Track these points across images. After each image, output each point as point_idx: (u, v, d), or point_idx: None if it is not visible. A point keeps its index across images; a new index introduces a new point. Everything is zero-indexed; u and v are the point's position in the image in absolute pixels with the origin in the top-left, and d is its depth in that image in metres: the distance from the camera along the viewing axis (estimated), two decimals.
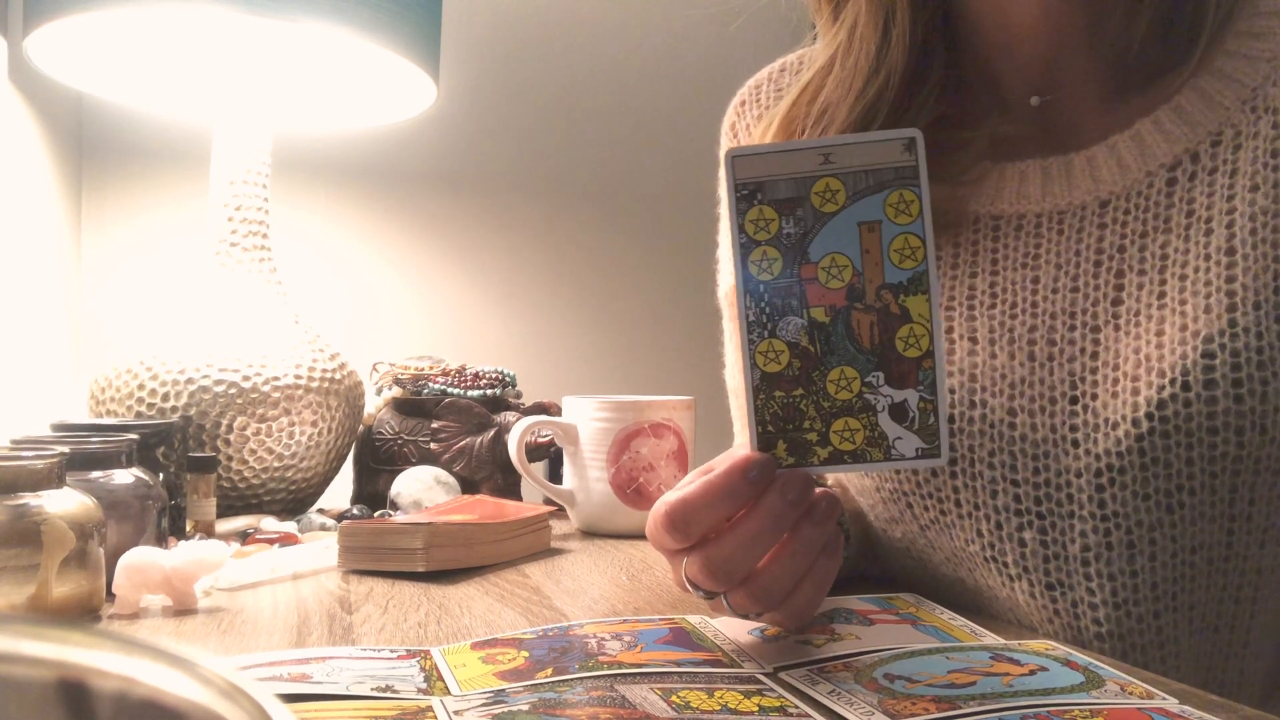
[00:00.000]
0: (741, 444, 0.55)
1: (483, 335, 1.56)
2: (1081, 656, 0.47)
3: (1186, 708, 0.40)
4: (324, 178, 1.46)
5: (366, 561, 0.69)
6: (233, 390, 0.90)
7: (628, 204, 1.65)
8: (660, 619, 0.54)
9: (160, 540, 0.64)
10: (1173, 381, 0.54)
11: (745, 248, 0.44)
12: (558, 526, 0.88)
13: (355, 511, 0.87)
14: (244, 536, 0.78)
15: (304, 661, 0.45)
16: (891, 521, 0.64)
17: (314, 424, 0.94)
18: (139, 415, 0.89)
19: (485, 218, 1.57)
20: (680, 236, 1.64)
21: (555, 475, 1.00)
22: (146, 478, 0.65)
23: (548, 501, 0.92)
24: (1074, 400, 0.57)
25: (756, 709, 0.39)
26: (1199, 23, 0.57)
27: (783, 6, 0.71)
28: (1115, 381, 0.56)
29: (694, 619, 0.53)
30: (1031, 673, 0.44)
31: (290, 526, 0.82)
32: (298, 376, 0.93)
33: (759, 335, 0.44)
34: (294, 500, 0.97)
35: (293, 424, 0.93)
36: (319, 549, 0.71)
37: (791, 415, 0.44)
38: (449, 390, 1.00)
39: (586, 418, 0.86)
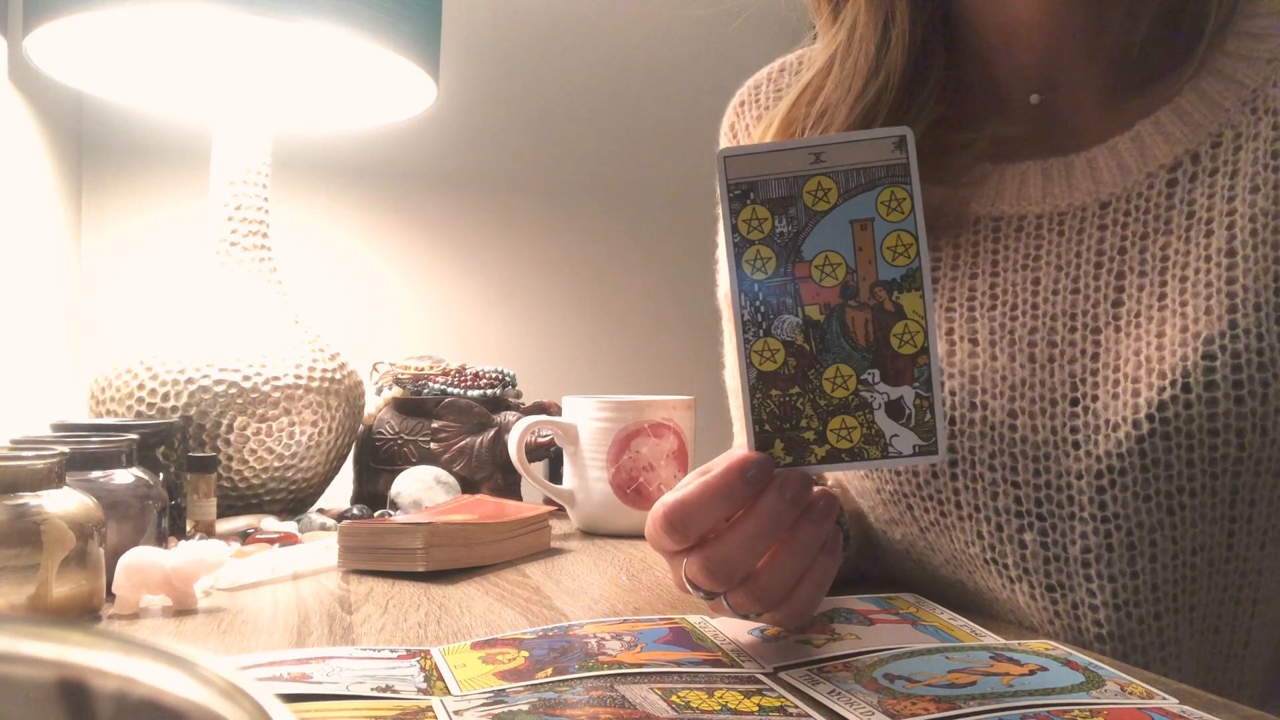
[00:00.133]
0: (740, 445, 0.55)
1: (483, 335, 1.56)
2: (1081, 656, 0.47)
3: (1186, 708, 0.40)
4: (324, 178, 1.46)
5: (366, 561, 0.69)
6: (233, 390, 0.90)
7: (628, 204, 1.65)
8: (660, 619, 0.54)
9: (160, 540, 0.64)
10: (1173, 383, 0.54)
11: (739, 247, 0.44)
12: (558, 526, 0.88)
13: (355, 511, 0.87)
14: (244, 536, 0.78)
15: (304, 661, 0.45)
16: (892, 523, 0.64)
17: (314, 424, 0.94)
18: (139, 415, 0.89)
19: (485, 218, 1.57)
20: (680, 236, 1.64)
21: (555, 475, 1.00)
22: (146, 478, 0.65)
23: (548, 501, 0.92)
24: (1074, 402, 0.57)
25: (756, 709, 0.39)
26: (1199, 24, 0.57)
27: (782, 7, 0.71)
28: (1116, 383, 0.56)
29: (694, 619, 0.53)
30: (1031, 673, 0.44)
31: (290, 526, 0.82)
32: (298, 376, 0.93)
33: (754, 334, 0.44)
34: (294, 500, 0.97)
35: (293, 424, 0.93)
36: (319, 549, 0.71)
37: (788, 414, 0.44)
38: (449, 390, 1.00)
39: (586, 418, 0.86)
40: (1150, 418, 0.54)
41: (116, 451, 0.64)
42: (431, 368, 1.01)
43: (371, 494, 0.98)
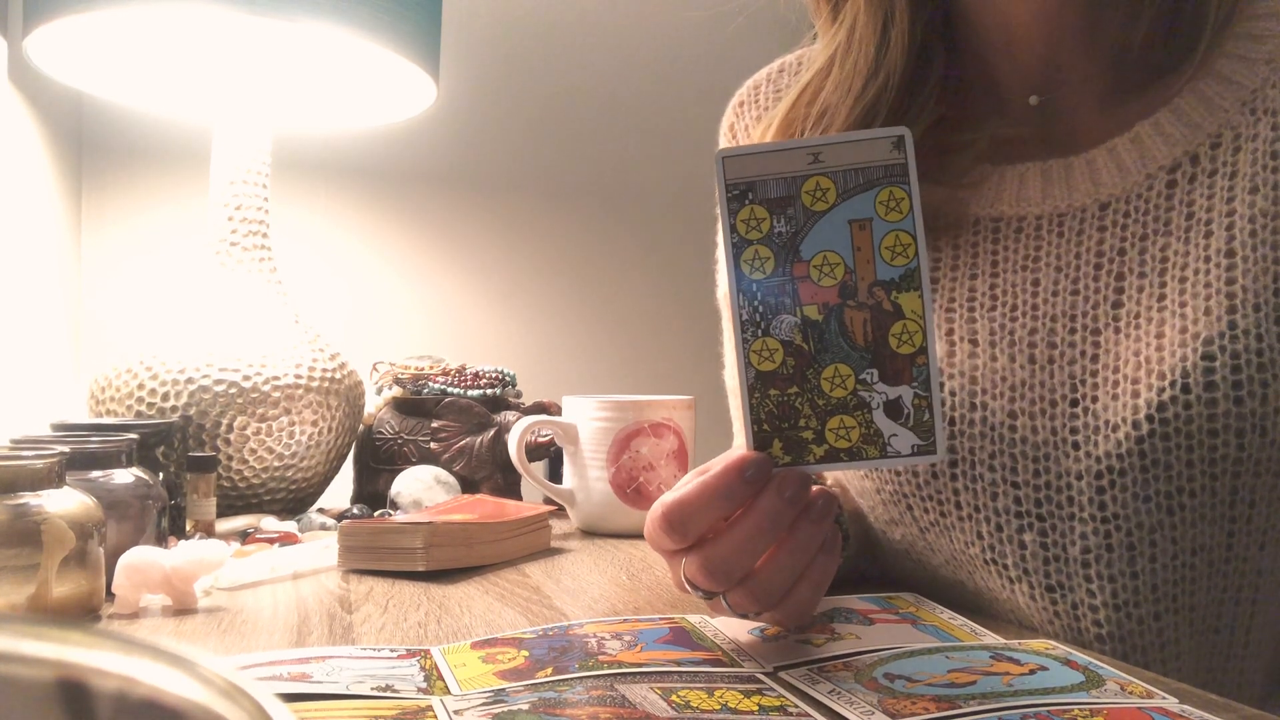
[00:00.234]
0: (740, 445, 0.55)
1: (483, 335, 1.56)
2: (1081, 656, 0.47)
3: (1186, 707, 0.40)
4: (324, 178, 1.46)
5: (366, 561, 0.69)
6: (233, 390, 0.90)
7: (628, 204, 1.65)
8: (660, 618, 0.54)
9: (160, 540, 0.64)
10: (1173, 384, 0.54)
11: (737, 247, 0.44)
12: (558, 526, 0.88)
13: (355, 511, 0.87)
14: (244, 536, 0.79)
15: (304, 661, 0.45)
16: (891, 523, 0.64)
17: (314, 424, 0.94)
18: (139, 415, 0.89)
19: (485, 218, 1.57)
20: (680, 236, 1.64)
21: (555, 475, 1.00)
22: (146, 477, 0.65)
23: (548, 501, 0.92)
24: (1074, 403, 0.57)
25: (756, 708, 0.39)
26: (1199, 25, 0.57)
27: (782, 7, 0.71)
28: (1115, 384, 0.56)
29: (694, 618, 0.53)
30: (1031, 672, 0.44)
31: (290, 526, 0.82)
32: (298, 376, 0.93)
33: (753, 334, 0.44)
34: (294, 500, 0.97)
35: (293, 424, 0.93)
36: (319, 548, 0.71)
37: (787, 414, 0.44)
38: (449, 390, 1.00)
39: (586, 417, 0.86)
40: (1150, 418, 0.54)
41: (116, 451, 0.64)
42: (431, 368, 1.01)
43: (371, 494, 0.98)
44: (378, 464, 0.99)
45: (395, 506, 0.90)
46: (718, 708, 0.39)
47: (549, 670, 0.44)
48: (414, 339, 1.46)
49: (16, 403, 1.06)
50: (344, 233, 1.48)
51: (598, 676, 0.43)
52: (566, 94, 1.61)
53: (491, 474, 0.97)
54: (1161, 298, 0.56)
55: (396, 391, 1.01)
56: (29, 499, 0.53)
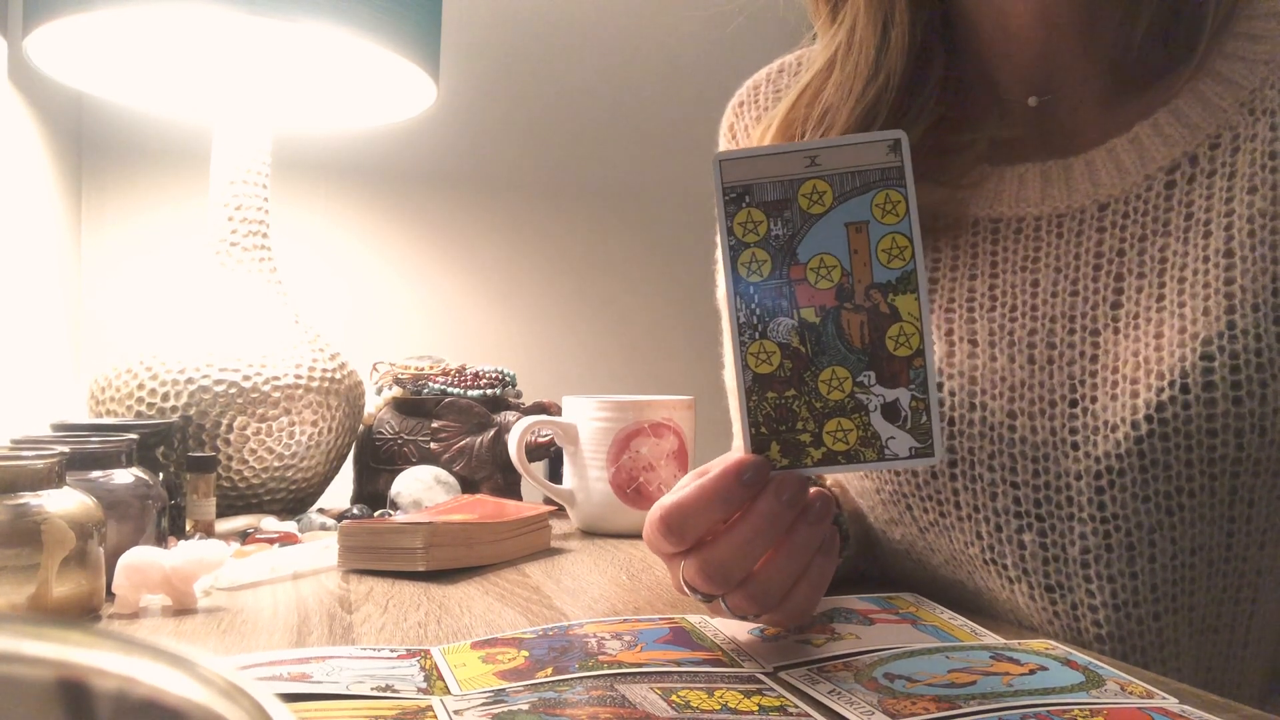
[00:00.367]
0: (738, 447, 0.55)
1: (483, 335, 1.56)
2: (1081, 656, 0.47)
3: (1186, 707, 0.40)
4: (324, 178, 1.46)
5: (366, 561, 0.69)
6: (233, 390, 0.90)
7: (628, 204, 1.65)
8: (660, 618, 0.54)
9: (160, 540, 0.64)
10: (1172, 384, 0.54)
11: (734, 250, 0.44)
12: (558, 526, 0.88)
13: (355, 511, 0.87)
14: (244, 536, 0.79)
15: (304, 661, 0.45)
16: (891, 523, 0.64)
17: (314, 424, 0.94)
18: (139, 415, 0.89)
19: (485, 218, 1.57)
20: (680, 236, 1.64)
21: (555, 475, 1.00)
22: (146, 478, 0.65)
23: (548, 501, 0.92)
24: (1073, 403, 0.57)
25: (756, 708, 0.40)
26: (1197, 26, 0.57)
27: (781, 7, 0.71)
28: (1114, 384, 0.56)
29: (694, 618, 0.54)
30: (1031, 672, 0.44)
31: (290, 526, 0.82)
32: (298, 376, 0.93)
33: (750, 337, 0.44)
34: (294, 500, 0.97)
35: (293, 424, 0.93)
36: (319, 549, 0.71)
37: (784, 416, 0.44)
38: (449, 390, 1.00)
39: (586, 417, 0.86)
40: (1149, 419, 0.54)
41: (116, 451, 0.64)
42: (431, 368, 1.01)
43: (371, 494, 0.98)
44: (378, 464, 0.99)
45: (395, 506, 0.90)
46: (718, 708, 0.39)
47: (549, 670, 0.44)
48: (414, 339, 1.46)
49: (16, 403, 1.06)
50: (344, 233, 1.48)
51: (598, 676, 0.43)
52: (566, 94, 1.61)
53: (491, 474, 0.97)
54: (1160, 298, 0.56)
55: (396, 391, 1.01)
56: (29, 499, 0.53)
